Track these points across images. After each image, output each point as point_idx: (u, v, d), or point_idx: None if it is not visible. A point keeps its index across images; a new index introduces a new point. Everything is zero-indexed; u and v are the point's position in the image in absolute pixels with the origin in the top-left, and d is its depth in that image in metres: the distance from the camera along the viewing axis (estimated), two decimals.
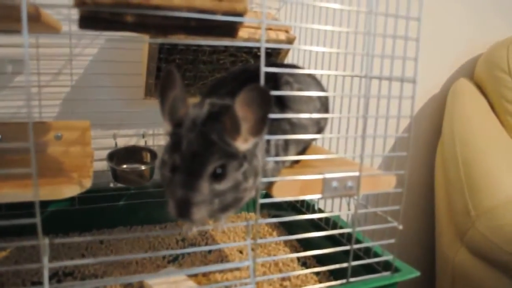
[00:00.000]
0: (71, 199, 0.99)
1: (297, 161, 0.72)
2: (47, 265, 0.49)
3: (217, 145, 0.51)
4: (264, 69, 0.51)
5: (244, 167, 0.53)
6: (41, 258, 0.49)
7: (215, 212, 0.53)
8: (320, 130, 0.74)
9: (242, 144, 0.53)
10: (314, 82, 0.75)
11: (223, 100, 0.58)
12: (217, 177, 0.51)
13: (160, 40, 0.72)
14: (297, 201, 1.07)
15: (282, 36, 0.87)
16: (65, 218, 0.99)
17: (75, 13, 0.52)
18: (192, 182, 0.51)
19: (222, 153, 0.52)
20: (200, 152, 0.51)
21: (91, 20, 0.46)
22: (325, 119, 0.75)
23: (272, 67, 0.53)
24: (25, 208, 0.65)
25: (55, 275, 0.81)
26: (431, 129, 1.53)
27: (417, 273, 0.70)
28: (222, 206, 0.53)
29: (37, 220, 0.46)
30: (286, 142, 0.64)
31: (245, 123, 0.52)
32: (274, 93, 0.52)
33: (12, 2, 0.46)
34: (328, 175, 0.59)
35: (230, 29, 0.51)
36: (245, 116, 0.51)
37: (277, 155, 0.62)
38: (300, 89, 0.68)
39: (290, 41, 0.88)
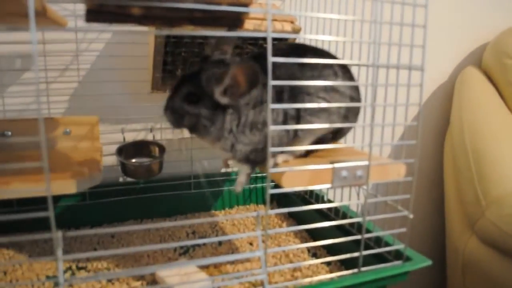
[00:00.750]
0: (82, 194, 1.00)
1: (308, 152, 0.72)
2: (61, 257, 0.49)
3: (200, 82, 0.66)
4: (271, 59, 0.51)
5: (225, 111, 0.67)
6: (55, 251, 0.49)
7: (184, 125, 0.70)
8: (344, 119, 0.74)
9: (221, 97, 0.65)
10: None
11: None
12: (190, 101, 0.67)
13: (166, 32, 0.72)
14: (306, 192, 1.07)
15: (288, 27, 0.86)
16: (76, 213, 1.00)
17: (80, 9, 0.53)
18: (172, 96, 0.69)
19: (199, 88, 0.66)
20: (185, 81, 0.68)
21: (98, 13, 0.46)
22: (353, 112, 0.75)
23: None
24: (36, 204, 0.66)
25: (68, 269, 0.82)
26: (440, 118, 1.52)
27: (428, 262, 0.70)
28: (192, 125, 0.69)
29: (50, 213, 0.47)
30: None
31: (231, 83, 0.64)
32: (295, 83, 0.62)
33: None
34: (337, 165, 0.59)
35: (236, 20, 0.51)
36: (234, 79, 0.63)
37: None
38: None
39: (295, 31, 0.87)
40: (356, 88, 0.73)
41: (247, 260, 0.84)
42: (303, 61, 0.59)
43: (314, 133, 0.71)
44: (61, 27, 0.79)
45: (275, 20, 0.85)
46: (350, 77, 0.73)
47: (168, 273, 0.73)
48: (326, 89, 0.68)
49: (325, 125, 0.66)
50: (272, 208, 1.14)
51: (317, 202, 1.02)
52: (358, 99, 0.73)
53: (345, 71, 0.72)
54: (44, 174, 0.46)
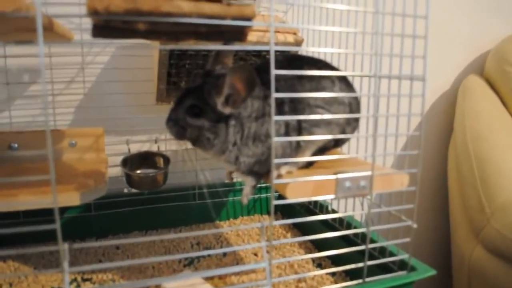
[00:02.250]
0: (87, 205, 1.00)
1: (311, 163, 0.72)
2: (67, 269, 0.50)
3: (203, 95, 0.67)
4: (274, 72, 0.51)
5: (227, 123, 0.68)
6: (61, 263, 0.50)
7: (187, 138, 0.71)
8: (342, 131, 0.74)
9: (223, 107, 0.67)
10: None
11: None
12: (193, 113, 0.68)
13: (169, 46, 0.74)
14: (310, 203, 1.07)
15: (290, 38, 0.87)
16: (81, 224, 1.01)
17: (86, 22, 0.53)
18: (175, 108, 0.70)
19: (202, 101, 0.67)
20: (188, 94, 0.69)
21: (104, 28, 0.47)
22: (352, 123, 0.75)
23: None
24: (42, 215, 0.66)
25: (73, 281, 0.82)
26: (443, 126, 1.53)
27: (433, 272, 0.70)
28: (195, 138, 0.70)
29: (57, 226, 0.47)
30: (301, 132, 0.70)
31: (230, 91, 0.65)
32: (300, 95, 0.64)
33: (26, 14, 0.47)
34: (341, 175, 0.60)
35: (239, 33, 0.52)
36: (233, 87, 0.64)
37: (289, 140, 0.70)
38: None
39: (298, 43, 0.88)
40: (352, 91, 0.74)
41: (252, 271, 0.84)
42: (307, 73, 0.60)
43: (316, 143, 0.71)
44: (67, 41, 0.81)
45: (278, 31, 0.86)
46: (347, 83, 0.74)
47: (173, 284, 0.73)
48: (325, 99, 0.69)
49: (328, 136, 0.67)
50: (276, 218, 1.14)
51: (321, 212, 1.02)
52: (356, 103, 0.74)
53: (340, 78, 0.73)
54: (50, 186, 0.47)
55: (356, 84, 0.74)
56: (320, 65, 0.74)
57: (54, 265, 0.88)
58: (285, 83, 0.68)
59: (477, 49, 1.52)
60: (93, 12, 0.43)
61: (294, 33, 0.89)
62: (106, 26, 0.46)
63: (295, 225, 1.08)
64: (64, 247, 0.49)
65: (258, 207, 1.19)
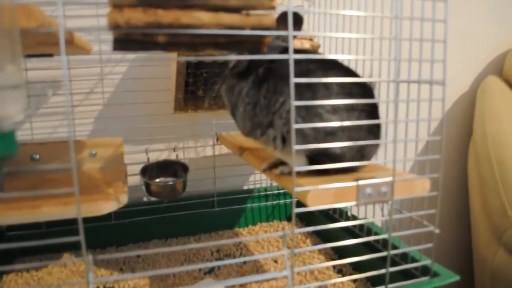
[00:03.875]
0: (107, 215, 1.01)
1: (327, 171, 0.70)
2: (92, 281, 0.50)
3: None
4: (293, 80, 0.51)
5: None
6: (86, 274, 0.50)
7: None
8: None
9: None
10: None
11: None
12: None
13: (187, 58, 0.74)
14: (329, 208, 1.07)
15: (307, 44, 0.87)
16: (102, 233, 1.02)
17: (104, 33, 0.54)
18: None
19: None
20: None
21: (125, 41, 0.47)
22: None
23: None
24: (64, 224, 0.67)
25: None
26: (462, 129, 1.51)
27: (456, 277, 0.69)
28: None
29: (81, 237, 0.48)
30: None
31: None
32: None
33: (49, 29, 0.48)
34: (362, 182, 0.59)
35: (258, 43, 0.52)
36: None
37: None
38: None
39: (314, 49, 0.88)
40: (356, 84, 0.66)
41: (273, 278, 0.84)
42: (324, 80, 0.60)
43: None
44: (87, 53, 0.82)
45: (294, 37, 0.86)
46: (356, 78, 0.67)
47: None
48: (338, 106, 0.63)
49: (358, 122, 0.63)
50: (295, 224, 1.14)
51: (341, 217, 1.01)
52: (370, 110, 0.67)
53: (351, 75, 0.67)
54: (72, 197, 0.47)
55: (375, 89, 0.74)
56: (328, 63, 0.68)
57: (77, 274, 0.89)
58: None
59: (496, 49, 1.50)
60: (114, 26, 0.44)
61: (311, 39, 0.89)
62: (127, 39, 0.47)
63: (314, 231, 1.08)
64: (88, 258, 0.50)
65: (277, 213, 1.19)
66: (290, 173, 0.60)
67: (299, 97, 0.58)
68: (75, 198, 0.49)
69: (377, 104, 0.68)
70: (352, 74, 0.68)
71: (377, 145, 0.68)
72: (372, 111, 0.66)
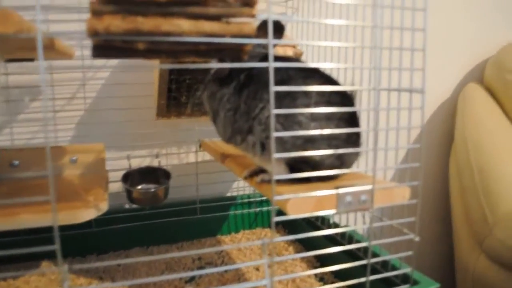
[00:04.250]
0: (87, 222, 1.00)
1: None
2: None
3: None
4: (273, 88, 0.52)
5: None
6: (62, 283, 0.49)
7: None
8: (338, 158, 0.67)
9: None
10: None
11: None
12: None
13: (168, 65, 0.74)
14: (312, 216, 1.07)
15: (290, 51, 0.88)
16: (82, 240, 1.00)
17: (87, 39, 0.54)
18: None
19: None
20: None
21: (104, 48, 0.47)
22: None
23: None
24: (42, 232, 0.66)
25: None
26: (443, 136, 1.53)
27: (436, 285, 0.69)
28: None
29: (57, 246, 0.47)
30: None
31: None
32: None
33: (28, 35, 0.47)
34: (341, 190, 0.59)
35: (239, 51, 0.52)
36: None
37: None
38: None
39: (297, 56, 0.89)
40: (335, 92, 0.66)
41: (253, 287, 0.84)
42: (305, 89, 0.60)
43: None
44: (69, 58, 0.81)
45: (276, 46, 0.86)
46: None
47: None
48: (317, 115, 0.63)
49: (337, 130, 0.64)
50: (278, 231, 1.14)
51: (323, 224, 1.02)
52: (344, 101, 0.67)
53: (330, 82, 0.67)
54: (51, 204, 0.47)
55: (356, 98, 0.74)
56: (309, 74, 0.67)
57: (55, 283, 0.88)
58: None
59: (476, 57, 1.53)
60: (93, 33, 0.44)
61: (294, 47, 0.89)
62: (106, 46, 0.46)
63: (298, 239, 1.08)
64: (64, 268, 0.49)
65: (260, 220, 1.18)
66: (270, 181, 0.60)
67: (278, 103, 0.58)
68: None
69: (357, 112, 0.68)
70: (332, 82, 0.68)
71: (357, 153, 0.68)
72: (351, 119, 0.66)
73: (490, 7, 1.51)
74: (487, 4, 1.50)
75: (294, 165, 0.64)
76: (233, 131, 0.71)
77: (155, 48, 0.48)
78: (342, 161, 0.66)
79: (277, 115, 0.60)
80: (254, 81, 0.67)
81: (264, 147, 0.67)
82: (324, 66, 0.62)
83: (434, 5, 1.36)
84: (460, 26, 1.47)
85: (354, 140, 0.66)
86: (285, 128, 0.62)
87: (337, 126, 0.64)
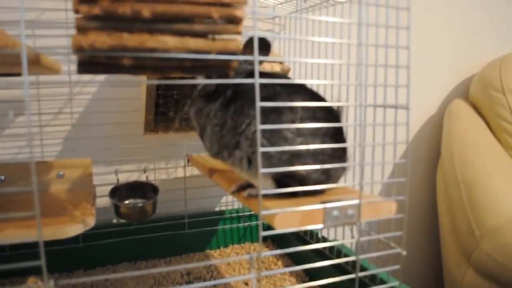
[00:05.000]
0: (75, 237, 0.99)
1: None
2: None
3: None
4: (259, 104, 0.52)
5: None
6: None
7: None
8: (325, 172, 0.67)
9: None
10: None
11: None
12: None
13: (156, 81, 0.74)
14: (300, 230, 1.07)
15: (277, 67, 0.89)
16: (69, 256, 0.99)
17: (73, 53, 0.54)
18: None
19: None
20: None
21: (89, 64, 0.47)
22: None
23: None
24: (29, 247, 0.65)
25: None
26: (430, 151, 1.54)
27: None
28: None
29: (42, 262, 0.46)
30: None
31: None
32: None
33: (12, 51, 0.47)
34: (328, 205, 0.60)
35: (224, 67, 0.52)
36: None
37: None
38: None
39: (285, 72, 0.89)
40: (321, 108, 0.67)
41: None
42: (291, 104, 0.61)
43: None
44: (55, 73, 0.81)
45: (262, 62, 0.87)
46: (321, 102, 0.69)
47: None
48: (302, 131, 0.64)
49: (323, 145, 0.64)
50: (267, 246, 1.14)
51: (312, 239, 1.02)
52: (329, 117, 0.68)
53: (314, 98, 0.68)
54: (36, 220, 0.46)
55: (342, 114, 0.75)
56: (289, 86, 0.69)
57: None
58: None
59: (461, 74, 1.55)
60: (78, 49, 0.44)
61: (281, 63, 0.90)
62: (92, 62, 0.46)
63: (287, 253, 1.07)
64: (50, 284, 0.48)
65: (249, 235, 1.18)
66: (257, 196, 0.60)
67: (265, 119, 0.59)
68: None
69: (343, 128, 0.69)
70: (318, 97, 0.69)
71: (343, 168, 0.69)
72: (337, 135, 0.67)
73: (475, 25, 1.54)
74: (473, 22, 1.53)
75: (281, 180, 0.64)
76: (220, 147, 0.71)
77: (140, 64, 0.48)
78: (328, 176, 0.66)
79: (263, 131, 0.60)
80: (241, 97, 0.68)
81: (251, 162, 0.67)
82: (311, 82, 0.63)
83: (420, 23, 1.39)
84: (445, 44, 1.50)
85: (339, 155, 0.67)
86: (271, 144, 0.62)
87: (323, 142, 0.64)
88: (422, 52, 1.42)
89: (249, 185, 0.71)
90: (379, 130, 0.69)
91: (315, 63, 0.95)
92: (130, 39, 0.45)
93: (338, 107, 0.69)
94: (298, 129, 0.63)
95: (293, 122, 0.63)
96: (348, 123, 0.68)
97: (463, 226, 1.19)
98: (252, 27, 0.53)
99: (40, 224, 0.47)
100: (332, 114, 0.68)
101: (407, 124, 0.65)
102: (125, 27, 0.45)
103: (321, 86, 0.90)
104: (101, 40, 0.44)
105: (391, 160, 0.70)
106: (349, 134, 0.70)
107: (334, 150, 0.66)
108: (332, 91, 0.86)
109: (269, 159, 0.62)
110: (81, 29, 0.45)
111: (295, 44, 1.04)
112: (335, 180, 0.69)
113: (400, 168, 0.69)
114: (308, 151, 0.63)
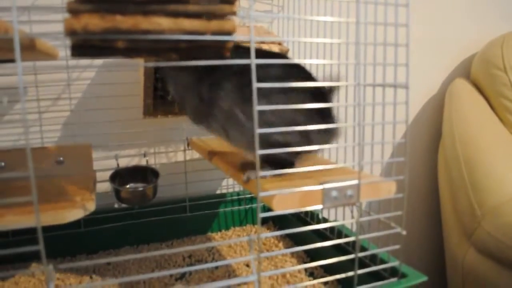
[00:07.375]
0: (76, 222, 0.99)
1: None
2: None
3: None
4: (256, 85, 0.51)
5: None
6: (47, 284, 0.49)
7: None
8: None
9: None
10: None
11: None
12: None
13: (153, 64, 0.73)
14: (301, 211, 1.07)
15: (275, 48, 0.88)
16: (71, 241, 1.00)
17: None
18: None
19: None
20: None
21: (83, 47, 0.47)
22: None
23: None
24: (31, 232, 0.65)
25: None
26: (431, 131, 1.53)
27: (424, 278, 0.70)
28: None
29: (41, 247, 0.47)
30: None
31: None
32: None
33: (5, 36, 0.47)
34: (327, 185, 0.60)
35: (220, 48, 0.52)
36: None
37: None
38: None
39: (283, 53, 0.88)
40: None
41: (244, 283, 0.84)
42: (287, 85, 0.60)
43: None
44: (52, 58, 0.80)
45: (263, 42, 0.86)
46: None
47: None
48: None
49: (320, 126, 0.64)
50: (268, 228, 1.14)
51: (312, 219, 1.02)
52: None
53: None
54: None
55: (341, 93, 0.75)
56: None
57: (45, 283, 0.87)
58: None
59: (463, 53, 1.54)
60: (71, 32, 0.43)
61: (279, 43, 0.89)
62: (85, 45, 0.46)
63: (288, 234, 1.08)
64: (49, 268, 0.49)
65: (250, 217, 1.18)
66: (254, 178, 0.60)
67: (242, 93, 0.63)
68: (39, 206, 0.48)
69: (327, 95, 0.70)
70: (310, 77, 0.69)
71: (327, 131, 0.68)
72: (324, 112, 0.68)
73: (477, 4, 1.52)
74: (474, 0, 1.51)
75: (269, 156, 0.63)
76: (199, 116, 0.74)
77: (135, 47, 0.47)
78: (308, 140, 0.67)
79: (242, 105, 0.62)
80: (220, 71, 0.68)
81: (228, 135, 0.69)
82: (309, 62, 0.62)
83: (421, 1, 1.37)
84: (446, 22, 1.48)
85: (318, 120, 0.66)
86: (248, 118, 0.63)
87: (308, 116, 0.64)
88: (423, 32, 1.40)
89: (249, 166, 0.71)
90: (378, 109, 0.69)
91: (314, 43, 0.94)
92: (123, 21, 0.45)
93: (330, 87, 0.69)
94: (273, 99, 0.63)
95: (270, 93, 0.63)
96: (347, 102, 0.67)
97: (464, 206, 1.19)
98: (249, 8, 0.52)
99: (38, 210, 0.47)
100: (320, 92, 0.68)
101: (407, 103, 0.64)
102: (118, 9, 0.45)
103: (320, 65, 0.90)
104: (94, 22, 0.44)
105: (390, 140, 0.70)
106: (349, 114, 0.70)
107: (311, 115, 0.66)
108: (332, 71, 0.85)
109: (244, 132, 0.65)
110: (74, 12, 0.44)
111: (294, 24, 1.03)
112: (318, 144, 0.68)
113: (400, 148, 0.69)
114: (282, 119, 0.64)
